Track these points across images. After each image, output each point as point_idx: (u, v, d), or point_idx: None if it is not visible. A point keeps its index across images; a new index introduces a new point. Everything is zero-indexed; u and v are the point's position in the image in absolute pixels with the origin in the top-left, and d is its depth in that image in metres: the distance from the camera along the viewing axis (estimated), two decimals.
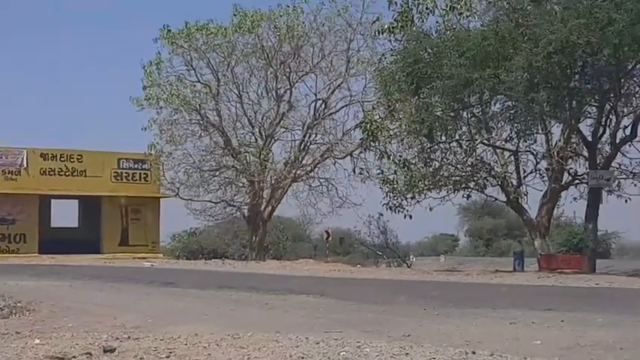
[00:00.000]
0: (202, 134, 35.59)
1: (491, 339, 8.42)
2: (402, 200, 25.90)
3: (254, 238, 34.83)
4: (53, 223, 39.93)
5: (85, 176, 37.77)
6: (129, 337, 8.18)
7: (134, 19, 65.68)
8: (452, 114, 24.48)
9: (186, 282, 16.68)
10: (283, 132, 35.78)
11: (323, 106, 35.17)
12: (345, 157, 34.40)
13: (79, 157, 38.06)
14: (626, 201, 25.22)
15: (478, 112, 25.07)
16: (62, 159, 37.68)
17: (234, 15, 34.38)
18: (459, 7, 25.40)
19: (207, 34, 34.29)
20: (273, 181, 35.34)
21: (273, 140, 35.57)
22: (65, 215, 40.76)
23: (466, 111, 24.98)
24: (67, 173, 37.54)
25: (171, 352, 7.26)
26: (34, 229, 36.96)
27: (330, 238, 36.76)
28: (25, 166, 36.78)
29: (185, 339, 7.98)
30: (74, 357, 7.05)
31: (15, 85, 69.96)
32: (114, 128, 73.82)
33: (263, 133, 35.33)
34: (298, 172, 35.39)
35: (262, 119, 35.43)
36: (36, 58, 71.78)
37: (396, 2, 26.03)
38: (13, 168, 36.58)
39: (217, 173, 35.89)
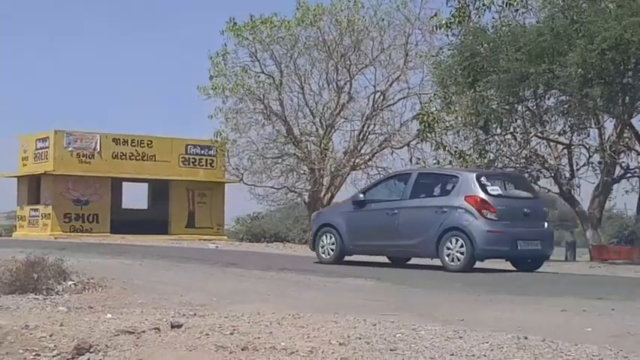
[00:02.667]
0: (265, 123, 35.66)
1: (542, 325, 8.33)
2: None
3: None
4: (124, 205, 40.51)
5: (155, 161, 38.22)
6: (195, 314, 8.27)
7: (202, 12, 66.23)
8: (507, 107, 24.34)
9: (249, 263, 16.72)
10: (343, 122, 35.76)
11: (381, 97, 35.01)
12: (402, 147, 34.28)
13: (149, 142, 38.50)
14: None
15: (532, 106, 24.92)
16: (133, 144, 38.14)
17: (297, 9, 34.42)
18: (515, 3, 25.21)
19: (272, 27, 34.34)
20: (332, 169, 35.37)
21: (333, 130, 35.53)
22: (135, 197, 41.32)
23: (521, 104, 24.80)
24: (137, 157, 38.01)
25: (234, 330, 7.30)
26: (107, 209, 37.51)
27: None
28: (99, 150, 37.28)
29: (248, 317, 8.04)
30: (143, 331, 7.12)
31: (89, 73, 71.14)
32: (182, 116, 74.67)
33: (323, 123, 35.32)
34: (357, 160, 35.37)
35: (323, 109, 35.41)
36: (109, 49, 72.84)
37: None
38: (87, 152, 37.11)
39: (279, 160, 35.96)
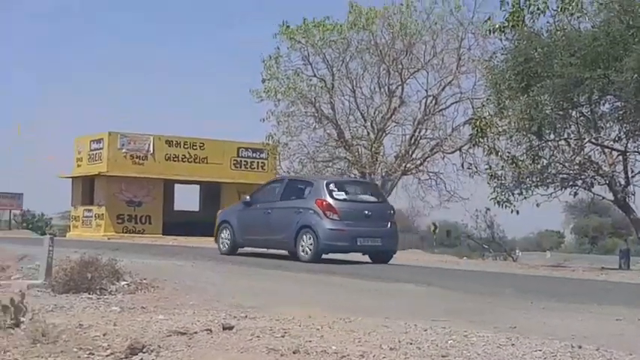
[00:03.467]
0: (317, 126, 35.78)
1: (596, 334, 8.24)
2: (509, 196, 25.57)
3: None
4: (176, 207, 40.91)
5: (207, 163, 38.59)
6: (246, 316, 8.30)
7: (255, 15, 66.67)
8: (561, 112, 24.08)
9: (297, 267, 16.76)
10: (394, 126, 35.75)
11: (433, 102, 34.97)
12: (453, 152, 34.20)
13: (202, 144, 38.90)
14: None
15: (587, 112, 24.61)
16: (186, 146, 38.56)
17: (350, 12, 34.47)
18: (570, 7, 24.95)
19: (324, 31, 34.43)
20: (383, 174, 35.30)
21: (384, 134, 35.54)
22: (187, 199, 41.74)
23: (575, 110, 24.51)
24: (189, 160, 38.42)
25: (286, 332, 7.32)
26: (159, 211, 37.96)
27: (437, 230, 36.63)
28: (152, 151, 37.74)
29: (299, 320, 8.05)
30: (195, 332, 7.17)
31: (143, 77, 71.90)
32: (234, 119, 75.16)
33: (375, 127, 35.32)
34: (408, 165, 35.28)
35: (374, 113, 35.44)
36: (163, 53, 73.56)
37: (507, 2, 25.72)
38: (141, 153, 37.58)
39: (330, 164, 36.02)
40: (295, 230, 18.91)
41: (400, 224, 40.12)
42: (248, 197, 21.41)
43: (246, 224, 20.52)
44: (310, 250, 18.62)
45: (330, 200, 18.86)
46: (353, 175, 35.62)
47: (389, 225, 19.81)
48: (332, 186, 19.57)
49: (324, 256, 18.88)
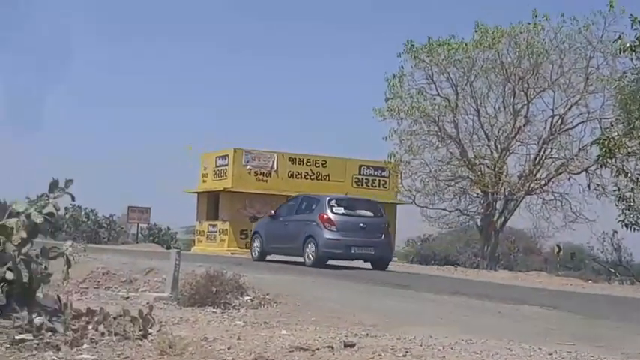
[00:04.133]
0: (439, 145, 35.60)
1: None
2: (638, 218, 25.03)
3: (486, 247, 34.49)
4: None
5: (329, 180, 38.66)
6: (367, 334, 8.25)
7: (379, 34, 66.79)
8: None
9: (420, 285, 16.65)
10: (518, 146, 35.32)
11: (559, 121, 34.43)
12: (580, 172, 33.52)
13: (324, 162, 39.05)
14: None
15: None
16: (308, 164, 38.79)
17: (476, 31, 34.35)
18: None
19: (449, 50, 34.36)
20: (506, 193, 34.89)
21: (508, 153, 35.14)
22: None
23: None
24: (312, 177, 38.61)
25: (407, 352, 7.25)
26: None
27: (561, 252, 35.87)
28: (275, 168, 38.13)
29: (420, 340, 7.97)
30: (317, 349, 7.16)
31: (265, 97, 72.89)
32: (356, 137, 75.44)
33: (498, 146, 34.97)
34: (532, 185, 34.77)
35: (498, 133, 35.09)
36: (289, 76, 74.28)
37: (639, 21, 25.15)
38: (264, 170, 38.02)
39: (452, 183, 35.80)
40: (303, 240, 21.94)
41: (523, 245, 39.80)
42: (273, 212, 24.75)
43: (271, 235, 23.71)
44: (313, 256, 21.52)
45: (330, 214, 21.85)
46: (475, 195, 35.39)
47: (383, 236, 22.44)
48: (333, 202, 22.53)
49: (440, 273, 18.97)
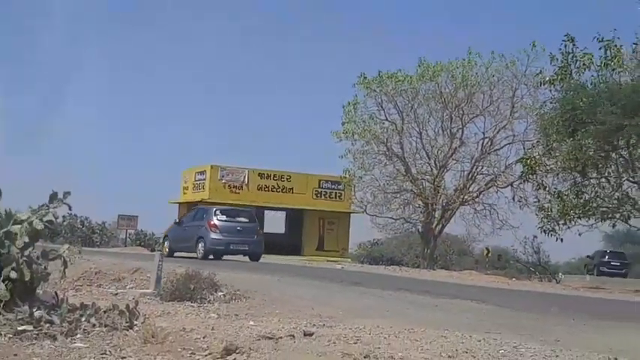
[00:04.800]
0: (387, 163, 35.61)
1: (632, 349, 8.00)
2: (554, 225, 25.29)
3: (426, 250, 34.56)
4: (265, 229, 41.01)
5: (293, 193, 38.75)
6: (324, 325, 8.22)
7: (336, 68, 66.90)
8: (602, 154, 23.76)
9: (370, 283, 16.66)
10: (454, 163, 35.40)
11: (489, 143, 34.61)
12: (506, 186, 33.72)
13: (289, 177, 39.10)
14: None
15: (626, 154, 24.23)
16: (275, 178, 38.82)
17: (419, 66, 34.41)
18: (612, 63, 24.65)
19: (396, 81, 34.44)
20: (443, 204, 35.02)
21: (445, 170, 35.25)
22: (275, 223, 41.80)
23: (615, 152, 24.15)
24: (278, 190, 38.61)
25: (358, 340, 7.25)
26: None
27: (489, 254, 36.07)
28: (247, 182, 38.07)
29: (369, 330, 7.96)
30: (280, 337, 7.13)
31: (243, 117, 72.30)
32: (317, 155, 75.43)
33: (437, 164, 35.10)
34: (465, 197, 34.92)
35: (437, 152, 35.19)
36: (258, 102, 73.77)
37: (557, 59, 25.52)
38: (237, 184, 37.93)
39: (398, 195, 35.80)
40: (195, 240, 24.84)
41: (457, 248, 39.93)
42: (177, 219, 28.68)
43: (176, 237, 26.60)
44: (202, 252, 24.38)
45: (215, 221, 24.94)
46: (417, 205, 35.49)
47: (255, 237, 25.49)
48: (218, 212, 25.69)
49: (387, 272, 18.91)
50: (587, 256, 46.03)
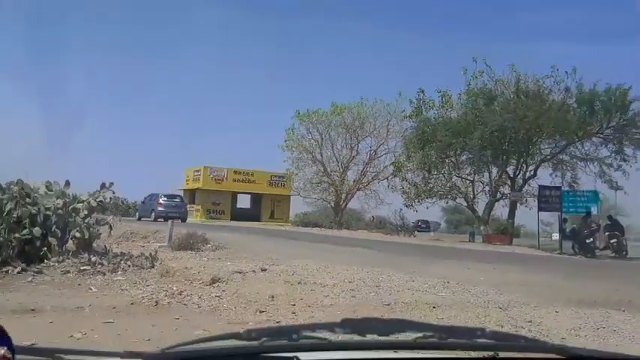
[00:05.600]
0: (312, 165, 35.61)
1: (457, 275, 8.25)
2: (412, 202, 25.74)
3: (336, 217, 34.79)
4: (238, 206, 40.68)
5: (255, 183, 38.39)
6: (273, 264, 8.23)
7: (281, 107, 65.77)
8: (440, 160, 24.26)
9: (302, 238, 16.71)
10: (353, 166, 35.59)
11: (374, 153, 34.93)
12: (384, 179, 34.04)
13: (252, 173, 38.72)
14: (530, 209, 24.42)
15: (454, 160, 24.77)
16: (244, 174, 38.38)
17: (332, 105, 34.72)
18: (446, 105, 25.26)
19: (318, 115, 34.57)
20: (347, 190, 35.28)
21: (347, 169, 35.47)
22: (244, 202, 41.34)
23: (448, 159, 24.66)
24: (246, 181, 38.22)
25: (294, 273, 7.29)
26: (229, 208, 37.72)
27: (374, 220, 36.46)
28: (226, 177, 37.58)
29: (301, 266, 8.01)
30: (246, 272, 7.12)
31: (228, 129, 69.04)
32: (269, 159, 74.80)
33: (342, 166, 35.27)
34: (360, 186, 35.24)
35: (342, 159, 35.35)
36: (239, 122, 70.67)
37: (413, 102, 26.04)
38: (220, 178, 37.43)
39: (319, 185, 35.87)
40: (150, 211, 25.92)
41: (355, 217, 40.19)
42: (142, 200, 28.10)
43: (141, 209, 27.45)
44: (153, 216, 25.11)
45: (160, 200, 26.19)
46: (331, 190, 35.68)
47: (183, 209, 26.61)
48: (162, 195, 26.57)
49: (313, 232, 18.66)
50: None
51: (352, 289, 6.27)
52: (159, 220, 23.80)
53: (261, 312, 4.95)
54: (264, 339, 1.18)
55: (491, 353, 1.27)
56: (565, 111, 21.39)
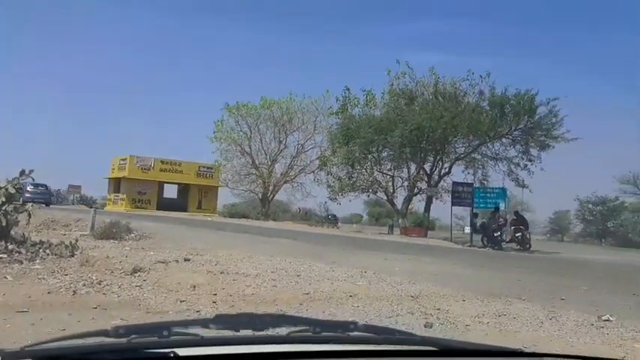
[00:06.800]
0: (241, 157, 35.37)
1: (374, 265, 8.47)
2: (337, 196, 26.03)
3: (263, 209, 34.72)
4: (164, 195, 39.51)
5: (182, 173, 37.41)
6: (197, 254, 8.13)
7: (209, 96, 64.37)
8: (363, 155, 24.67)
9: (228, 228, 16.55)
10: (281, 159, 35.69)
11: (301, 147, 35.17)
12: (310, 173, 34.41)
13: (180, 164, 37.69)
14: (444, 203, 25.47)
15: (376, 155, 25.21)
16: (171, 164, 37.30)
17: (261, 99, 34.58)
18: (370, 104, 25.73)
19: (247, 109, 34.24)
20: (274, 182, 35.26)
21: (275, 162, 35.51)
22: (170, 192, 40.21)
23: (370, 154, 25.08)
24: (173, 171, 37.18)
25: (217, 263, 7.24)
26: (155, 197, 36.52)
27: (301, 212, 36.75)
28: (153, 166, 36.35)
29: (224, 256, 7.96)
30: (169, 262, 7.00)
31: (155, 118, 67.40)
32: (198, 150, 73.21)
33: (270, 159, 35.26)
34: (287, 178, 35.35)
35: (271, 152, 35.36)
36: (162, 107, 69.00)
37: (340, 100, 26.34)
38: (147, 167, 36.14)
39: (247, 177, 35.67)
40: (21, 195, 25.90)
41: (282, 208, 40.30)
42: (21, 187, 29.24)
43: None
44: (21, 201, 26.02)
45: (28, 188, 25.37)
46: (259, 182, 35.49)
47: (47, 195, 27.82)
48: (29, 184, 25.29)
49: (239, 222, 18.44)
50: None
51: (274, 278, 6.29)
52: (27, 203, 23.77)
53: (181, 301, 4.88)
54: (133, 336, 1.13)
55: (366, 346, 1.26)
56: (478, 113, 22.43)
